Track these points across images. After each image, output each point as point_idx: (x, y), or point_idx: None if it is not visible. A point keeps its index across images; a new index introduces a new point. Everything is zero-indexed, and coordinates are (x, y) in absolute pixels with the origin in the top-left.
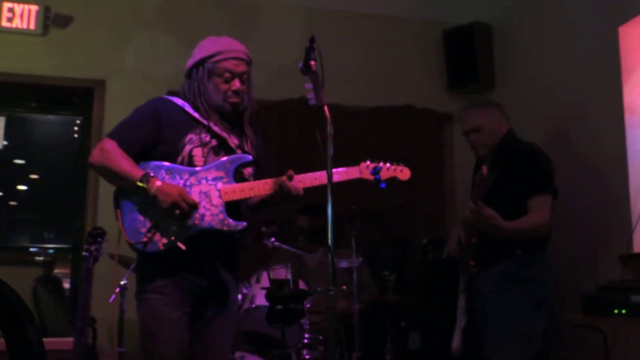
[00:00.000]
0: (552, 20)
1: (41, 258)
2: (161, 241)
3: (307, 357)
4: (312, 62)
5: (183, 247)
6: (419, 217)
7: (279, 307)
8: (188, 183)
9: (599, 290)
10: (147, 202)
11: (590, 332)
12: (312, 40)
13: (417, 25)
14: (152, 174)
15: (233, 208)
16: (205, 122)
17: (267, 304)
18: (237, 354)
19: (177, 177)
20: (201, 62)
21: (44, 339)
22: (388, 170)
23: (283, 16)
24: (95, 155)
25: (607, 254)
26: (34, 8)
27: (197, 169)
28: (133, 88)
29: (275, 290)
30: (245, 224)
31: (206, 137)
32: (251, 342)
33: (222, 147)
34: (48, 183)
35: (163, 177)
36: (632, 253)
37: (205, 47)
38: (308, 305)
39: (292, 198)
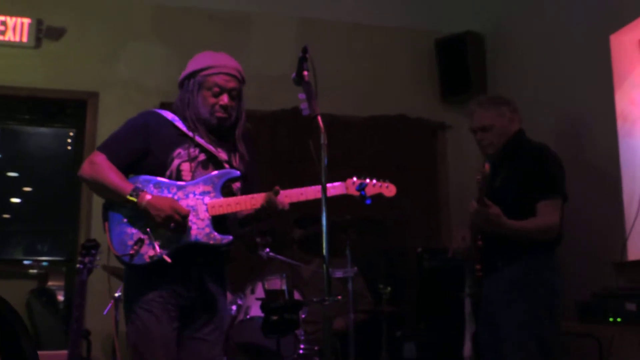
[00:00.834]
0: (544, 29)
1: (35, 270)
2: (147, 254)
3: None
4: (305, 73)
5: (169, 259)
6: (414, 226)
7: (274, 317)
8: (176, 197)
9: (594, 298)
10: (135, 215)
11: (586, 340)
12: (304, 50)
13: (409, 35)
14: (141, 188)
15: (220, 222)
16: (191, 134)
17: (262, 314)
18: None
19: (165, 191)
20: (193, 74)
21: (39, 352)
22: (374, 186)
23: (276, 27)
24: (85, 169)
25: (602, 262)
26: (26, 21)
27: (185, 183)
28: (126, 100)
29: (270, 301)
30: (231, 237)
31: (194, 152)
32: (246, 353)
33: (211, 161)
34: (41, 195)
35: (152, 191)
36: (626, 260)
37: (199, 60)
38: (303, 316)
39: (278, 213)
